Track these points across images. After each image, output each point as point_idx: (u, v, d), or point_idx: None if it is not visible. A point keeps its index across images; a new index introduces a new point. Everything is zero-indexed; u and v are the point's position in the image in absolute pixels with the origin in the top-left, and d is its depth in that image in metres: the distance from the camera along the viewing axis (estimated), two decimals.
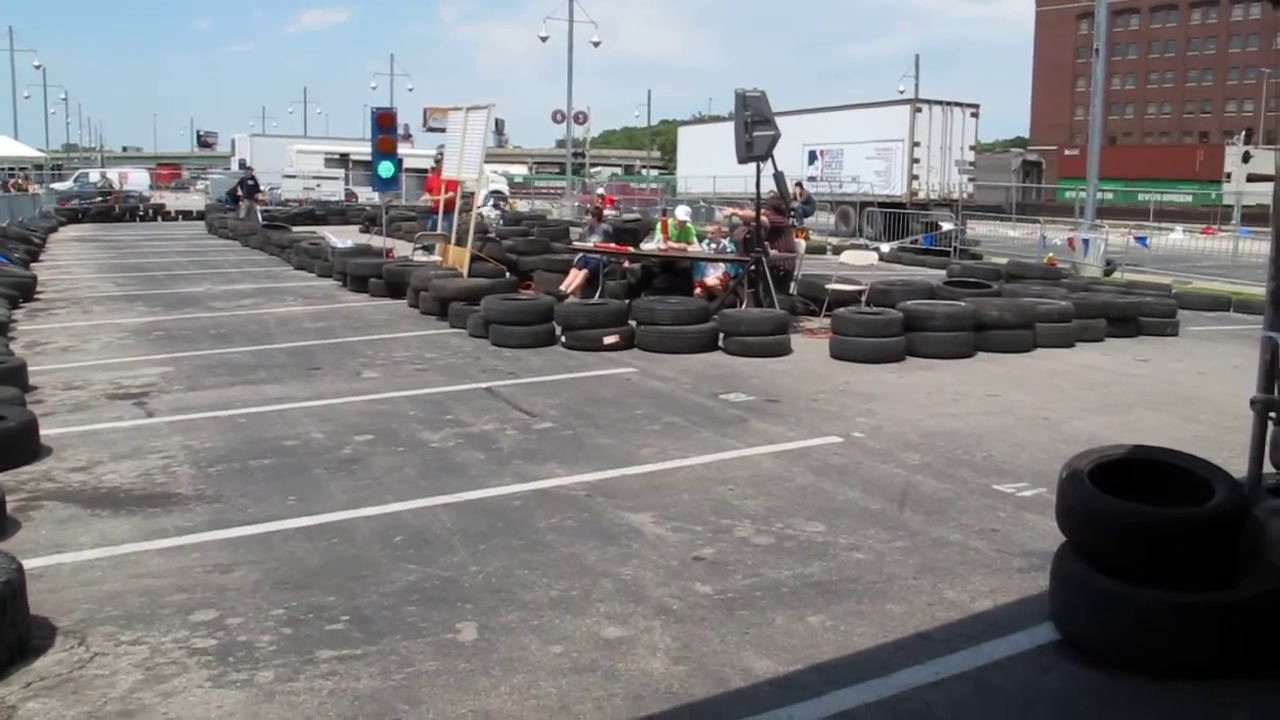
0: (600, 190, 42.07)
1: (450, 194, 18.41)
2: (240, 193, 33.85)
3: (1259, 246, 20.23)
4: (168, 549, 5.28)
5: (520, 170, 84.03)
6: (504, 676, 3.96)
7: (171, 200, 46.80)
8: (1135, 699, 3.86)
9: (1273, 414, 4.71)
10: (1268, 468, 4.83)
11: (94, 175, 57.02)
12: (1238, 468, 4.79)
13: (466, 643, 4.25)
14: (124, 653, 4.12)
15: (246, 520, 5.72)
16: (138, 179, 59.06)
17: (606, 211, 28.39)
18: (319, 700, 3.77)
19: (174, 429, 7.74)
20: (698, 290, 13.26)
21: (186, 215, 40.70)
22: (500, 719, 3.67)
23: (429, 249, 17.49)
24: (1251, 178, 46.90)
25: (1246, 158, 53.51)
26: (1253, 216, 34.48)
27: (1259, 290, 14.61)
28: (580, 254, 15.00)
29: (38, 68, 69.62)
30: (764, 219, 13.01)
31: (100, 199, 42.52)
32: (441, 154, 20.54)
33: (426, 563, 5.10)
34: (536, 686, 3.89)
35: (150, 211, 41.06)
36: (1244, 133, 57.66)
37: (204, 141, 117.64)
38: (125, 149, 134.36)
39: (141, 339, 11.94)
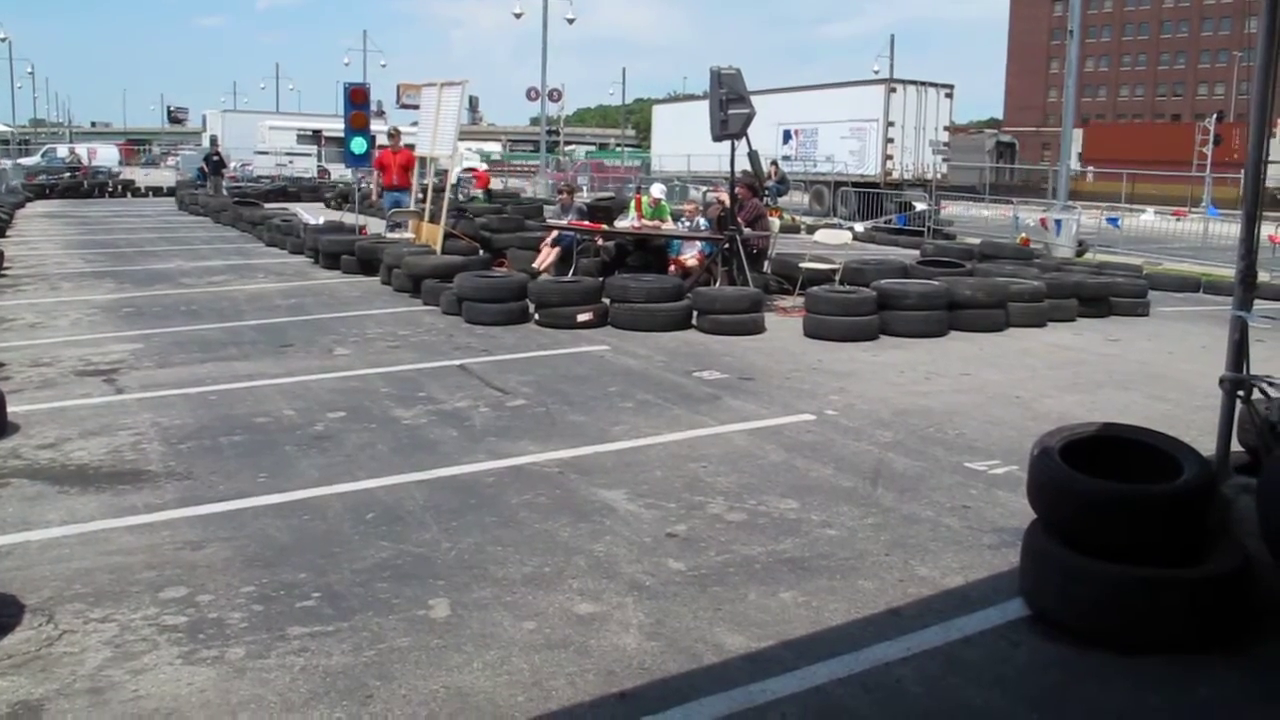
0: (483, 166, 40.74)
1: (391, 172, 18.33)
2: (206, 169, 33.61)
3: (1229, 229, 20.38)
4: (137, 526, 5.24)
5: (495, 148, 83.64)
6: (476, 653, 3.96)
7: (141, 176, 46.28)
8: (1103, 673, 3.90)
9: (1241, 392, 4.76)
10: (1235, 445, 4.89)
11: (62, 151, 56.29)
12: (1205, 445, 4.84)
13: (439, 619, 4.24)
14: (93, 630, 4.09)
15: (217, 497, 5.68)
16: (107, 155, 58.29)
17: (475, 191, 28.08)
18: (290, 677, 3.76)
19: (143, 406, 7.67)
20: (672, 268, 13.25)
21: (157, 191, 40.31)
22: (473, 695, 3.67)
23: (401, 226, 17.38)
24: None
25: (1218, 140, 53.92)
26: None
27: (1228, 271, 14.73)
28: (554, 231, 14.94)
29: (3, 40, 68.75)
30: (746, 198, 13.04)
31: (68, 175, 41.95)
32: (395, 130, 20.36)
33: (399, 539, 5.09)
34: (509, 663, 3.89)
35: (119, 188, 40.59)
36: (1215, 115, 58.10)
37: (174, 117, 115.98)
38: (94, 124, 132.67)
39: (111, 315, 11.82)
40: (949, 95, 31.30)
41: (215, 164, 33.26)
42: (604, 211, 16.49)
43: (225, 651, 3.93)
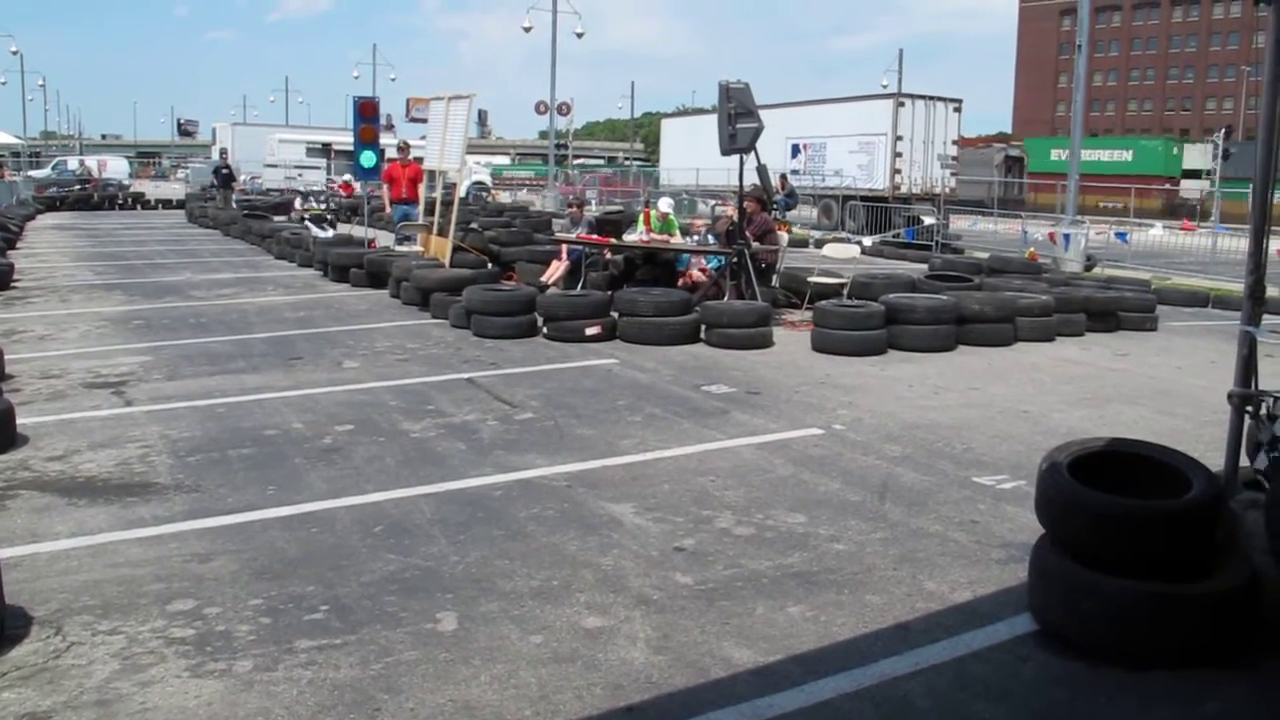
0: (345, 177, 38.20)
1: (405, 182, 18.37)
2: (215, 182, 33.76)
3: (1237, 243, 20.38)
4: (145, 538, 5.25)
5: (503, 161, 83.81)
6: (484, 666, 3.96)
7: (151, 189, 46.53)
8: (1111, 688, 3.89)
9: (1250, 408, 4.75)
10: (1244, 461, 4.88)
11: (72, 163, 56.52)
12: (1214, 461, 4.83)
13: (446, 632, 4.24)
14: (101, 642, 4.10)
15: (225, 510, 5.69)
16: (117, 167, 58.57)
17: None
18: (298, 690, 3.76)
19: (152, 418, 7.69)
20: (680, 282, 13.26)
21: (167, 204, 40.50)
22: (480, 709, 3.67)
23: (410, 239, 17.43)
24: None
25: (1226, 155, 53.95)
26: None
27: (1237, 286, 14.69)
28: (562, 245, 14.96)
29: (15, 54, 69.11)
30: (755, 212, 13.08)
31: (79, 187, 42.14)
32: (404, 144, 20.45)
33: (406, 552, 5.09)
34: (516, 676, 3.89)
35: (129, 200, 40.78)
36: (1224, 130, 58.14)
37: (184, 130, 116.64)
38: (104, 137, 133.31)
39: (120, 328, 11.86)
40: (957, 109, 31.34)
41: (224, 177, 33.37)
42: (612, 225, 16.52)
43: (233, 664, 3.94)
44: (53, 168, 54.87)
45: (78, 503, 5.78)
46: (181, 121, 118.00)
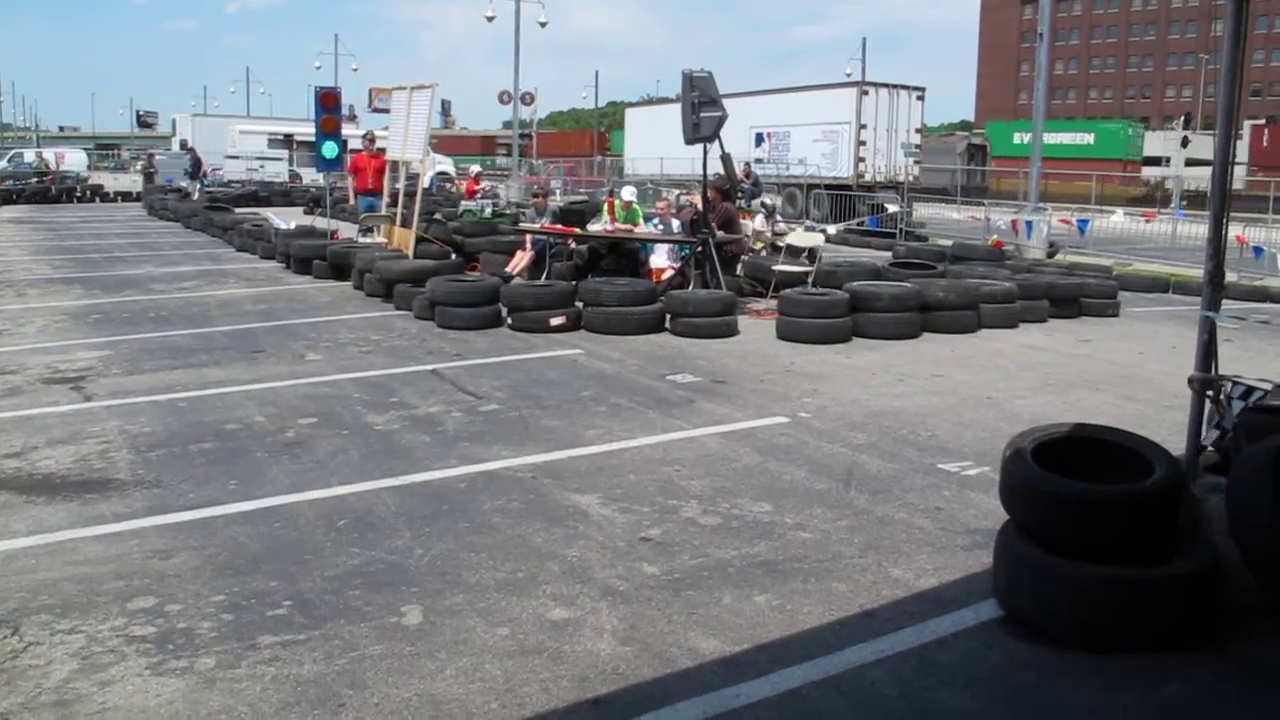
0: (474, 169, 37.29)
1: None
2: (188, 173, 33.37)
3: (1197, 229, 20.59)
4: (105, 535, 5.18)
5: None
6: (449, 659, 3.94)
7: (110, 181, 45.88)
8: (1075, 672, 3.92)
9: (1210, 392, 4.80)
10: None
11: (29, 155, 55.59)
12: (1176, 445, 4.87)
13: (411, 626, 4.21)
14: (59, 642, 4.04)
15: (186, 505, 5.62)
16: (75, 159, 57.67)
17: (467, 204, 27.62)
18: (261, 686, 3.72)
19: (112, 413, 7.59)
20: (653, 277, 13.22)
21: (126, 196, 39.98)
22: (446, 702, 3.64)
23: (373, 230, 17.30)
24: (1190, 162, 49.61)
25: (1185, 142, 54.68)
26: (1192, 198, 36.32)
27: (1196, 272, 14.86)
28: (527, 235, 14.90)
29: None
30: (716, 201, 13.06)
31: (36, 179, 41.49)
32: (371, 135, 20.27)
33: (371, 546, 5.05)
34: (482, 669, 3.87)
35: (88, 192, 40.23)
36: (1183, 118, 58.93)
37: (144, 121, 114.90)
38: (62, 129, 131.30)
39: (79, 322, 11.70)
40: (920, 98, 31.43)
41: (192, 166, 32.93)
42: (577, 215, 16.47)
43: (195, 662, 3.89)
44: (9, 160, 53.90)
45: (35, 500, 5.70)
46: (141, 113, 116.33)
